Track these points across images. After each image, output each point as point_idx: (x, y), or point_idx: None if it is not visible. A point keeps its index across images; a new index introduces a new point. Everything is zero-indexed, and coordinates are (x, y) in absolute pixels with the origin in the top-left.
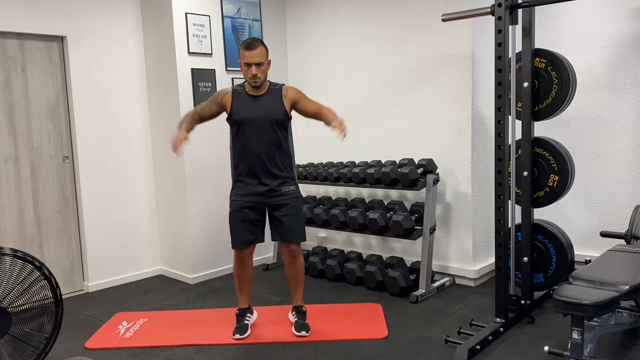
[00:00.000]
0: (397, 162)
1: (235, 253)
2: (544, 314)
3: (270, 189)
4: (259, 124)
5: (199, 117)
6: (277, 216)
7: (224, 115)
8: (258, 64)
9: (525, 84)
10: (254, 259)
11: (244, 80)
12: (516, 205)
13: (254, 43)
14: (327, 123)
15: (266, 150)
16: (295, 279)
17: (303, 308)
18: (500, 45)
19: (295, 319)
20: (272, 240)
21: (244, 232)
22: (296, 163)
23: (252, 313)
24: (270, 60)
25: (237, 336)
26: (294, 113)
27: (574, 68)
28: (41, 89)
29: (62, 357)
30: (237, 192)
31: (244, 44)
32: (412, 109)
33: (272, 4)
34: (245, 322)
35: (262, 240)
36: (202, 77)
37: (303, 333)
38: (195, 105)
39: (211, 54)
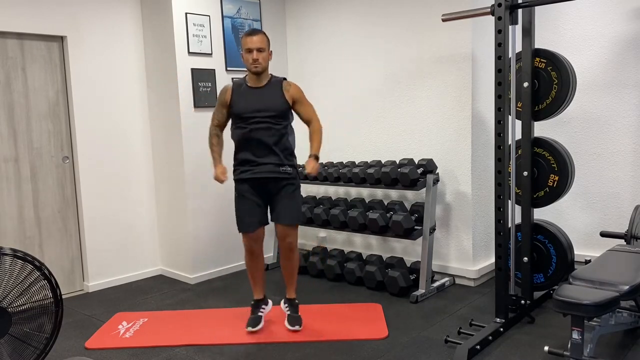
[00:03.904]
0: (397, 162)
1: (244, 241)
2: (544, 314)
3: (268, 170)
4: (258, 115)
5: (219, 128)
6: (274, 196)
7: None
8: (259, 50)
9: (525, 84)
10: None
11: (244, 75)
12: (516, 205)
13: (255, 30)
14: (310, 154)
15: (266, 138)
16: (290, 270)
17: (296, 300)
18: (500, 45)
19: (288, 312)
20: (271, 219)
21: (248, 215)
22: (296, 163)
23: (266, 304)
24: (271, 52)
25: (249, 329)
26: None
27: (574, 68)
28: (41, 89)
29: (62, 357)
30: (238, 175)
31: (245, 33)
32: (412, 109)
33: (272, 4)
34: (259, 314)
35: (267, 222)
36: (202, 77)
37: (297, 327)
38: (195, 104)
39: (211, 54)
